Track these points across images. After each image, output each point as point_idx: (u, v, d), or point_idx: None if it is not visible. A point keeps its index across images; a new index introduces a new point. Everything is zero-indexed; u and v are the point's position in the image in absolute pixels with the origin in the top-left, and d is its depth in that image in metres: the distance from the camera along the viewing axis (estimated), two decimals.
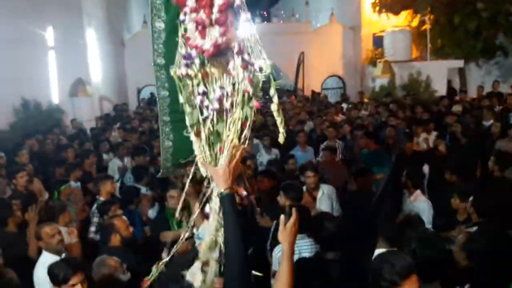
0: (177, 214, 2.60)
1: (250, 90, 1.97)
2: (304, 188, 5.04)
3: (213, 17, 1.89)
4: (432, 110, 10.02)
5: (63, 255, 3.77)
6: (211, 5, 1.89)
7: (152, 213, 5.40)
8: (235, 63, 1.96)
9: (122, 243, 3.81)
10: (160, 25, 2.07)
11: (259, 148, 7.44)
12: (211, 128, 2.09)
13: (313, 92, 15.94)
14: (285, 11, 23.40)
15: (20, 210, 4.74)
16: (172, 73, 2.07)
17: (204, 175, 2.24)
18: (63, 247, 3.81)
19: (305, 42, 16.52)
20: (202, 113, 2.09)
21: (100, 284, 3.29)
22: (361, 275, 2.61)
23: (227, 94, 2.03)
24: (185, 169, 2.66)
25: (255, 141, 7.43)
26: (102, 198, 5.07)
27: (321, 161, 6.68)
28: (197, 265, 2.15)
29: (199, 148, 2.16)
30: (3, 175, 6.07)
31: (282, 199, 4.36)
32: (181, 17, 2.00)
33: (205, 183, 2.26)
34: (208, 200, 2.24)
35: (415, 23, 14.70)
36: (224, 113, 2.05)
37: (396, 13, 14.72)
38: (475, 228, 3.73)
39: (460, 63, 14.02)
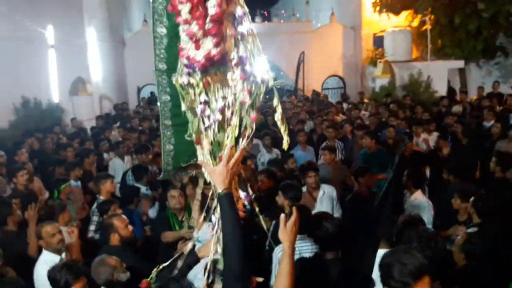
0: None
1: (248, 101, 1.98)
2: (304, 188, 5.04)
3: (206, 27, 1.87)
4: (432, 111, 10.02)
5: (63, 254, 3.78)
6: (205, 16, 1.86)
7: (152, 212, 5.40)
8: (234, 74, 1.96)
9: (121, 242, 3.81)
10: (162, 30, 2.05)
11: (260, 148, 7.43)
12: (212, 138, 2.10)
13: (313, 91, 15.94)
14: (286, 10, 23.44)
15: (20, 209, 4.74)
16: (174, 81, 2.07)
17: (208, 180, 2.25)
18: (63, 246, 3.82)
19: (306, 42, 16.50)
20: (204, 122, 2.10)
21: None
22: (361, 276, 2.60)
23: (228, 104, 2.03)
24: (186, 172, 2.66)
25: (256, 141, 7.40)
26: (102, 197, 5.07)
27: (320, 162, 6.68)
28: (200, 266, 2.15)
29: (201, 156, 2.18)
30: (3, 174, 6.07)
31: (281, 199, 4.35)
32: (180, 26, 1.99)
33: (209, 194, 2.25)
34: (214, 211, 2.23)
35: (415, 23, 14.70)
36: (226, 123, 2.06)
37: (397, 13, 14.72)
38: (475, 229, 3.73)
39: (460, 63, 14.02)
